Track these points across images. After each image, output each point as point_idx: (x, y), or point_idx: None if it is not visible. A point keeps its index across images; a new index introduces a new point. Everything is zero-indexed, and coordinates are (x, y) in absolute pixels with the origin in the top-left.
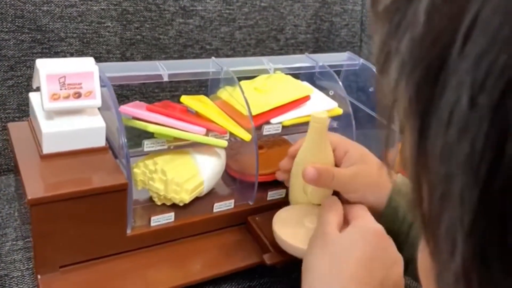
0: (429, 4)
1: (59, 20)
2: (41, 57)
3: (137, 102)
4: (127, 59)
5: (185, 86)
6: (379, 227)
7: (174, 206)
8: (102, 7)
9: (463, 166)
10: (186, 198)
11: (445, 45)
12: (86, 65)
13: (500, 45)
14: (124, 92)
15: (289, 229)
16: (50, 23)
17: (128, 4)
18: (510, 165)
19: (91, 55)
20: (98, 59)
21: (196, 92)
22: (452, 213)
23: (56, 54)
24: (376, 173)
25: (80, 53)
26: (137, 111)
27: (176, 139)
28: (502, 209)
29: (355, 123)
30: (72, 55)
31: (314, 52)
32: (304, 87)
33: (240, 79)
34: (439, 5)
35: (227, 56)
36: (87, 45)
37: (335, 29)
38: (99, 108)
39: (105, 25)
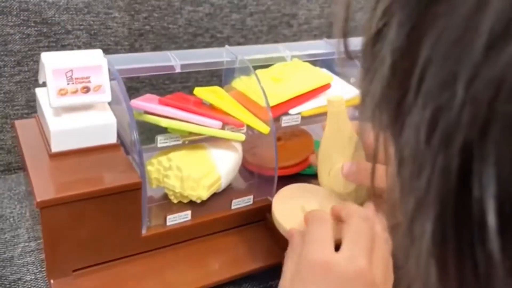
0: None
1: (65, 12)
2: (48, 50)
3: (149, 95)
4: (136, 50)
5: (196, 77)
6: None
7: (190, 204)
8: None
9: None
10: (204, 194)
11: (403, 92)
12: (94, 57)
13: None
14: (134, 85)
15: (288, 212)
16: (56, 16)
17: None
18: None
19: (99, 47)
20: (106, 51)
21: (208, 83)
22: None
23: (63, 47)
24: None
25: (88, 46)
26: (149, 105)
27: (191, 133)
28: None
29: None
30: (79, 47)
31: (328, 37)
32: (324, 75)
33: (255, 68)
34: (398, 60)
35: (239, 44)
36: (95, 37)
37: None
38: (109, 103)
39: (112, 15)
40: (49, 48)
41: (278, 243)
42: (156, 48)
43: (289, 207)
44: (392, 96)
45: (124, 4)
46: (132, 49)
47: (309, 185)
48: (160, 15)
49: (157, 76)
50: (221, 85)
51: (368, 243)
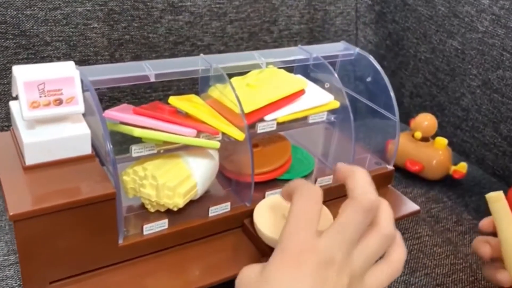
0: None
1: (43, 24)
2: (27, 62)
3: (125, 105)
4: (116, 60)
5: (178, 85)
6: None
7: (167, 213)
8: (88, 8)
9: None
10: (180, 202)
11: None
12: (66, 69)
13: None
14: (115, 95)
15: (269, 220)
16: (35, 27)
17: (114, 3)
18: None
19: (78, 58)
20: (86, 62)
21: (190, 91)
22: None
23: (43, 59)
24: None
25: (67, 57)
26: (122, 115)
27: (166, 142)
28: None
29: (354, 114)
30: (59, 59)
31: (309, 42)
32: (298, 81)
33: (231, 75)
34: None
35: (220, 51)
36: (74, 48)
37: (329, 18)
38: (84, 114)
39: (91, 26)
40: (28, 60)
41: (258, 249)
42: (137, 57)
43: (271, 215)
44: None
45: (103, 15)
46: (112, 59)
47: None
48: (140, 25)
49: (138, 86)
50: (198, 94)
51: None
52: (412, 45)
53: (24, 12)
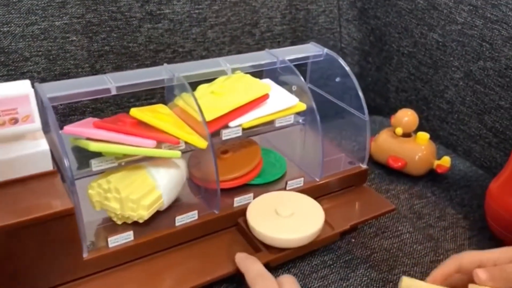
0: None
1: (21, 40)
2: (7, 79)
3: (90, 118)
4: (97, 72)
5: (161, 92)
6: None
7: (134, 224)
8: (65, 22)
9: None
10: (144, 214)
11: None
12: (20, 88)
13: None
14: (98, 106)
15: (261, 218)
16: (13, 44)
17: (91, 15)
18: None
19: (59, 72)
20: (66, 75)
21: (173, 98)
22: None
23: (23, 75)
24: None
25: (48, 71)
26: (81, 129)
27: (126, 155)
28: None
29: (326, 114)
30: (39, 73)
31: (292, 43)
32: (261, 86)
33: (198, 83)
34: None
35: (202, 57)
36: (54, 62)
37: (311, 17)
38: (48, 130)
39: (70, 39)
40: (8, 77)
41: (252, 246)
42: (118, 67)
43: (263, 211)
44: None
45: (81, 27)
46: (93, 70)
47: (282, 192)
48: (119, 35)
49: (121, 95)
50: (166, 104)
51: None
52: (394, 40)
53: (1, 29)
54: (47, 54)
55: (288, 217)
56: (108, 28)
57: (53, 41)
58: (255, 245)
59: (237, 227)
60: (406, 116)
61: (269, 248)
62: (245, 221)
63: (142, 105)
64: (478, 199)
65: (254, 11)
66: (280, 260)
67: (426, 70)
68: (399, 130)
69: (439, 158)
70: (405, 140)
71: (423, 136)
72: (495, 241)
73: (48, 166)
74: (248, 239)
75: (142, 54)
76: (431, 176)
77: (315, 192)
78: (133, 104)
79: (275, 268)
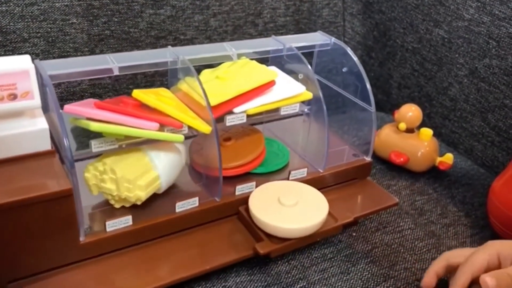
0: None
1: (20, 20)
2: None
3: (89, 99)
4: None
5: (160, 79)
6: None
7: (132, 208)
8: (66, 4)
9: None
10: (142, 195)
11: None
12: (20, 63)
13: None
14: (96, 91)
15: (264, 207)
16: (11, 24)
17: None
18: None
19: (58, 54)
20: (66, 58)
21: (176, 82)
22: None
23: None
24: None
25: (46, 53)
26: (82, 109)
27: (128, 137)
28: None
29: (331, 105)
30: (37, 55)
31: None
32: (268, 72)
33: (202, 67)
34: None
35: None
36: (53, 44)
37: (315, 9)
38: (47, 110)
39: (70, 22)
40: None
41: (253, 236)
42: (117, 53)
43: (265, 201)
44: None
45: (82, 10)
46: (92, 54)
47: (285, 181)
48: (120, 19)
49: (120, 81)
50: (168, 87)
51: None
52: (399, 35)
53: (0, 8)
54: (46, 36)
55: (291, 206)
56: (109, 12)
57: (52, 23)
58: (257, 235)
59: (238, 215)
60: (410, 112)
61: (271, 237)
62: (247, 210)
63: None
64: (480, 197)
65: (258, 0)
66: (282, 250)
67: (430, 67)
68: (402, 125)
69: (441, 155)
70: (408, 136)
71: (427, 132)
72: (497, 239)
73: (47, 145)
74: (249, 228)
75: (143, 40)
76: (433, 173)
77: (318, 183)
78: (132, 90)
79: (274, 259)
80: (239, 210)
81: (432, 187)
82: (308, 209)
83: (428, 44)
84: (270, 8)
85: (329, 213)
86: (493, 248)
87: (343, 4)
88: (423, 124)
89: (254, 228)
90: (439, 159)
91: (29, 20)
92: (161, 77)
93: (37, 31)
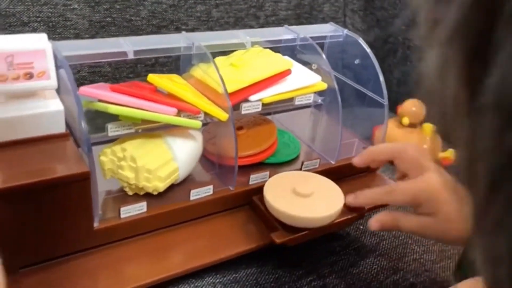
0: None
1: (20, 3)
2: None
3: (102, 83)
4: None
5: (161, 69)
6: None
7: (147, 196)
8: None
9: None
10: (160, 186)
11: (495, 6)
12: (37, 42)
13: None
14: (95, 78)
15: (279, 196)
16: (11, 7)
17: None
18: None
19: (58, 40)
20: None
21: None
22: None
23: None
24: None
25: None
26: (99, 92)
27: (144, 121)
28: None
29: (342, 97)
30: None
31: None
32: (284, 61)
33: (214, 55)
34: None
35: None
36: (53, 29)
37: (317, 4)
38: (58, 92)
39: (71, 7)
40: None
41: (267, 226)
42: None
43: (281, 190)
44: (475, 22)
45: None
46: None
47: (299, 171)
48: (122, 7)
49: (120, 70)
50: (180, 74)
51: None
52: (400, 32)
53: None
54: (47, 21)
55: (307, 196)
56: None
57: (53, 8)
58: (271, 224)
59: (250, 205)
60: (414, 107)
61: (286, 227)
62: (261, 199)
63: (141, 80)
64: None
65: None
66: (298, 240)
67: None
68: (405, 120)
69: (442, 151)
70: (410, 131)
71: (429, 127)
72: None
73: (61, 127)
74: (263, 217)
75: (144, 29)
76: None
77: (330, 175)
78: (132, 79)
79: (283, 252)
80: (252, 200)
81: None
82: (324, 199)
83: None
84: (272, 1)
85: (344, 204)
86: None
87: (344, 0)
88: (422, 120)
89: (269, 218)
90: (441, 154)
91: (29, 3)
92: (162, 67)
93: (37, 15)
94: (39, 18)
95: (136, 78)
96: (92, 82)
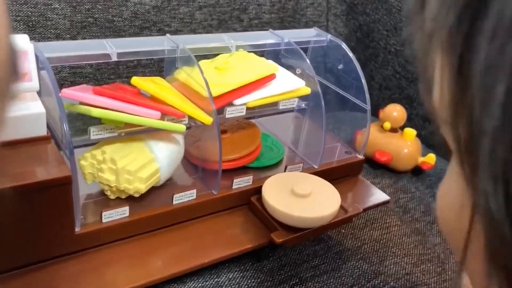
0: None
1: None
2: None
3: (84, 85)
4: None
5: (143, 71)
6: None
7: (129, 200)
8: None
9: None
10: (141, 187)
11: None
12: (19, 43)
13: None
14: (77, 80)
15: (279, 196)
16: None
17: None
18: None
19: (38, 40)
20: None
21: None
22: (495, 124)
23: None
24: None
25: None
26: (81, 94)
27: (127, 124)
28: None
29: (324, 102)
30: None
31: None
32: (268, 65)
33: (199, 58)
34: None
35: None
36: (33, 29)
37: (300, 8)
38: (39, 94)
39: (52, 7)
40: None
41: (267, 226)
42: (115, 38)
43: (279, 190)
44: None
45: None
46: None
47: (297, 173)
48: (104, 7)
49: (102, 71)
50: (163, 76)
51: None
52: (382, 37)
53: None
54: (27, 20)
55: (305, 197)
56: None
57: (34, 7)
58: (271, 224)
59: (249, 206)
60: (395, 111)
61: (284, 228)
62: (259, 200)
63: (123, 83)
64: None
65: None
66: (296, 240)
67: (413, 69)
68: (387, 125)
69: (422, 156)
70: (392, 135)
71: (410, 132)
72: None
73: (42, 130)
74: (262, 218)
75: (126, 30)
76: (415, 173)
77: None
78: (113, 80)
79: (265, 256)
80: (250, 200)
81: (415, 186)
82: (322, 199)
83: (411, 46)
84: (255, 4)
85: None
86: None
87: (327, 4)
88: (403, 124)
89: (268, 218)
90: (421, 159)
91: (9, 2)
92: (144, 69)
93: (17, 14)
94: (19, 18)
95: (118, 80)
96: (73, 83)
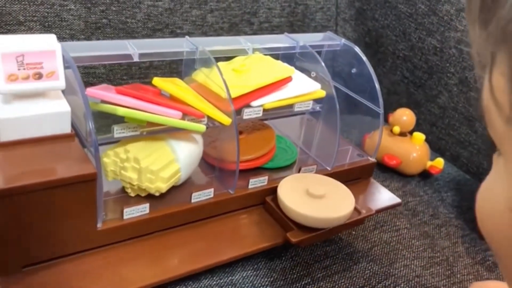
0: None
1: (16, 2)
2: None
3: (105, 85)
4: None
5: (155, 72)
6: None
7: (148, 197)
8: None
9: None
10: (163, 187)
11: None
12: (47, 42)
13: None
14: (90, 80)
15: (294, 197)
16: (7, 5)
17: None
18: None
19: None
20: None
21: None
22: None
23: None
24: None
25: None
26: (105, 93)
27: (149, 124)
28: None
29: (338, 105)
30: None
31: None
32: (285, 68)
33: (216, 60)
34: None
35: None
36: (49, 29)
37: (309, 13)
38: (63, 92)
39: (67, 7)
40: None
41: (282, 226)
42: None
43: (294, 191)
44: None
45: None
46: None
47: (312, 174)
48: (118, 9)
49: (114, 71)
50: (181, 78)
51: None
52: (391, 42)
53: None
54: (43, 21)
55: (320, 198)
56: (108, 1)
57: (50, 8)
58: (286, 224)
59: (264, 206)
60: (405, 116)
61: (299, 228)
62: (274, 200)
63: (136, 83)
64: (467, 201)
65: (255, 0)
66: (312, 240)
67: (421, 75)
68: (396, 129)
69: (431, 160)
70: (401, 139)
71: (419, 136)
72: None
73: (67, 128)
74: (277, 218)
75: (139, 32)
76: (422, 177)
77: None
78: (126, 81)
79: (278, 256)
80: (265, 200)
81: (423, 190)
82: (336, 200)
83: (419, 52)
84: (266, 8)
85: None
86: None
87: (336, 9)
88: (412, 129)
89: (283, 218)
90: (430, 163)
91: (26, 3)
92: (156, 70)
93: (34, 14)
94: (35, 18)
95: (131, 80)
96: (86, 83)
